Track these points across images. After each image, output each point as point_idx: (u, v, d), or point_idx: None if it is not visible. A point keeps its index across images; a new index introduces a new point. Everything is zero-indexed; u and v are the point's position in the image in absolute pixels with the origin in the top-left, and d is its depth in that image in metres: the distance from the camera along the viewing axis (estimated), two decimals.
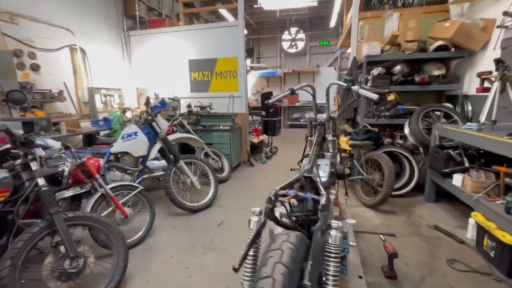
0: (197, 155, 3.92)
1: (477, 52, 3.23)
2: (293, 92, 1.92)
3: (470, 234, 2.33)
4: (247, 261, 1.09)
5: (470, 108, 3.39)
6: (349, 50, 7.58)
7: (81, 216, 1.71)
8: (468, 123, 2.63)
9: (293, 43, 10.65)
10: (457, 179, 2.52)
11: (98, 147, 3.25)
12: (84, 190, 2.06)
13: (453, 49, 3.39)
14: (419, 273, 1.93)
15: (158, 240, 2.43)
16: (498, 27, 2.81)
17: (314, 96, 1.95)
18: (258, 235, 1.04)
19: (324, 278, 0.97)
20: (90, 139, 3.86)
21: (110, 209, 2.21)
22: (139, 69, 5.37)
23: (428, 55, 3.49)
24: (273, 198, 1.08)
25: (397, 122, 3.72)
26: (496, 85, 2.40)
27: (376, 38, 3.71)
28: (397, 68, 3.67)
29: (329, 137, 1.95)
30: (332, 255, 0.98)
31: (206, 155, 4.10)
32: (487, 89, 2.89)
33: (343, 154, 3.89)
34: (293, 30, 10.51)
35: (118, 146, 2.77)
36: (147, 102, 2.85)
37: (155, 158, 3.09)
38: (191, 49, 4.94)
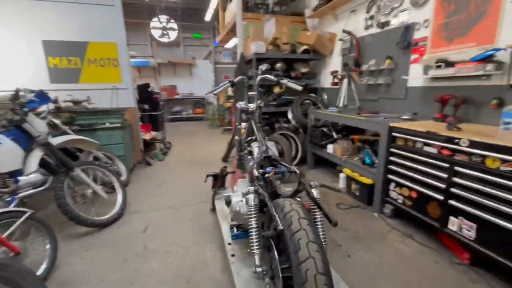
0: (83, 160, 3.19)
1: (327, 56, 4.46)
2: (233, 84, 2.03)
3: (342, 184, 3.34)
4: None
5: (326, 97, 4.65)
6: (227, 45, 8.13)
7: None
8: (331, 107, 3.67)
9: (164, 32, 10.06)
10: (330, 148, 3.50)
11: None
12: None
13: (312, 53, 4.49)
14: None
15: (71, 270, 1.93)
16: (340, 39, 4.01)
17: (247, 87, 2.14)
18: (260, 208, 1.18)
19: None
20: None
21: None
22: None
23: (298, 56, 4.44)
24: (259, 175, 1.24)
25: (281, 110, 4.53)
26: (345, 81, 3.49)
27: (260, 38, 4.30)
28: (278, 65, 4.44)
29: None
30: (317, 209, 1.28)
31: (96, 159, 3.40)
32: (337, 83, 4.10)
33: None
34: (163, 18, 9.90)
35: None
36: (16, 97, 2.06)
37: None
38: (47, 27, 3.78)
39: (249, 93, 2.17)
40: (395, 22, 3.06)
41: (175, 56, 10.24)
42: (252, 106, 2.17)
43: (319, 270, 0.85)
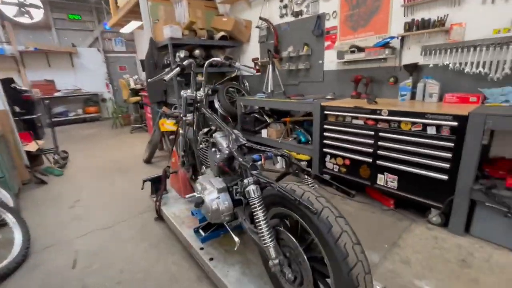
0: None
1: (245, 43, 4.50)
2: (183, 69, 1.75)
3: (280, 165, 3.54)
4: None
5: (247, 84, 4.73)
6: (124, 30, 6.97)
7: None
8: (258, 94, 3.78)
9: (23, 10, 7.63)
10: (264, 133, 3.62)
11: None
12: None
13: (230, 40, 4.43)
14: None
15: None
16: (257, 27, 4.10)
17: (194, 73, 1.90)
18: (263, 199, 1.09)
19: None
20: None
21: None
22: None
23: (216, 42, 4.28)
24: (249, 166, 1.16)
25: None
26: (270, 67, 3.64)
27: (172, 22, 3.89)
28: (197, 51, 4.16)
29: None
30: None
31: None
32: (259, 70, 4.23)
33: (171, 137, 3.92)
34: None
35: None
36: None
37: None
38: None
39: (199, 79, 1.92)
40: (307, 11, 3.37)
41: (45, 42, 7.99)
42: (200, 93, 1.95)
43: (366, 270, 0.87)
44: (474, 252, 1.80)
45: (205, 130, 1.84)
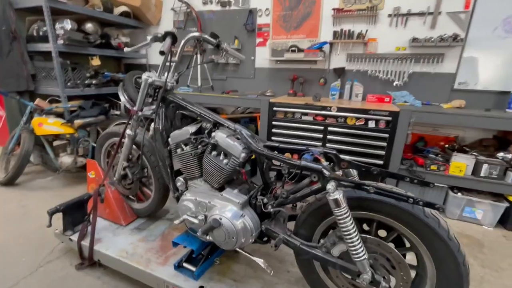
0: None
1: (153, 26, 3.75)
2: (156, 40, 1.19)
3: None
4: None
5: None
6: None
7: None
8: (182, 87, 3.28)
9: None
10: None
11: None
12: None
13: (133, 19, 3.56)
14: None
15: None
16: (172, 9, 3.50)
17: (167, 53, 1.36)
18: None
19: None
20: None
21: None
22: None
23: (117, 18, 3.32)
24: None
25: (102, 92, 3.30)
26: (198, 58, 3.23)
27: None
28: (90, 26, 3.07)
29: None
30: None
31: None
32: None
33: (56, 142, 2.74)
34: None
35: None
36: None
37: None
38: None
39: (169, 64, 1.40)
40: (236, 3, 3.21)
41: None
42: (171, 80, 1.44)
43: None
44: None
45: (193, 129, 1.37)
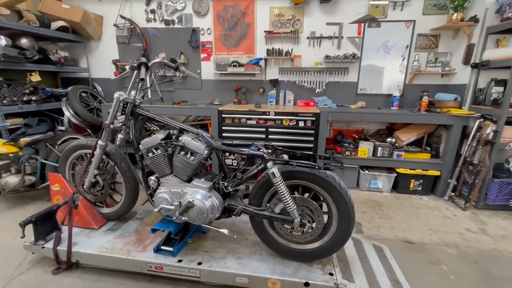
0: None
1: (94, 41, 3.77)
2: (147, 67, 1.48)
3: None
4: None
5: (100, 88, 3.98)
6: None
7: None
8: None
9: None
10: None
11: None
12: None
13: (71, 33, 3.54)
14: None
15: None
16: (114, 25, 3.61)
17: (139, 70, 1.65)
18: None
19: None
20: None
21: None
22: None
23: (54, 33, 3.27)
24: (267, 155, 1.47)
25: (42, 108, 3.23)
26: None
27: None
28: (25, 41, 2.98)
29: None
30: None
31: None
32: (119, 73, 3.78)
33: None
34: None
35: None
36: None
37: None
38: None
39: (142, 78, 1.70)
40: (180, 23, 3.54)
41: None
42: (139, 97, 1.74)
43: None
44: None
45: (162, 135, 1.68)
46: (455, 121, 2.79)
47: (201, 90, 3.78)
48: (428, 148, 3.15)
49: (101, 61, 3.84)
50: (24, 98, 2.96)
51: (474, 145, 2.75)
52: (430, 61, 3.22)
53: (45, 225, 1.80)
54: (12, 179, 2.56)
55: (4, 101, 2.80)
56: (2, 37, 2.73)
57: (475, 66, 2.96)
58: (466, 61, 3.08)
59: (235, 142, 1.69)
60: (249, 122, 3.07)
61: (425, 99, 2.98)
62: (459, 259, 1.96)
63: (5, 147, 2.54)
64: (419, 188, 3.06)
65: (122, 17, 3.53)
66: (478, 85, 2.97)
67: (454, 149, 2.87)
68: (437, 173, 2.96)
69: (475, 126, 2.74)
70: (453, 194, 2.94)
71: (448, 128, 2.91)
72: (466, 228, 2.38)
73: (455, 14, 2.89)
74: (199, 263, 1.61)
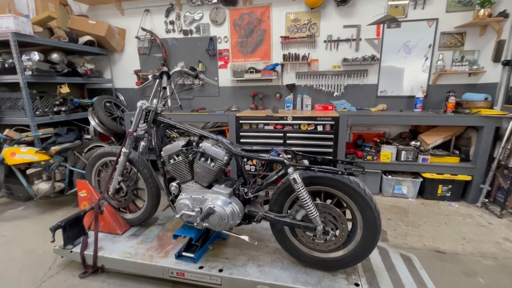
0: None
1: (117, 53, 3.95)
2: (169, 76, 1.52)
3: None
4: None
5: (122, 98, 4.15)
6: None
7: None
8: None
9: None
10: None
11: None
12: None
13: (97, 46, 3.74)
14: None
15: None
16: (136, 37, 3.78)
17: (168, 82, 1.70)
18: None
19: None
20: None
21: None
22: None
23: (81, 47, 3.47)
24: (288, 161, 1.44)
25: (70, 118, 3.40)
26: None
27: (14, 11, 2.80)
28: (55, 56, 3.19)
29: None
30: None
31: None
32: (141, 83, 3.93)
33: (30, 171, 2.78)
34: None
35: None
36: None
37: None
38: None
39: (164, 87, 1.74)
40: (198, 32, 3.64)
41: None
42: (160, 105, 1.79)
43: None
44: None
45: (183, 142, 1.71)
46: (486, 122, 2.63)
47: (218, 97, 3.83)
48: (457, 152, 2.98)
49: (124, 72, 4.01)
50: (55, 109, 3.15)
51: (509, 147, 2.57)
52: (456, 60, 3.07)
53: (73, 230, 1.87)
54: (43, 186, 2.71)
55: (37, 112, 2.98)
56: (36, 53, 2.93)
57: (506, 63, 2.78)
58: (496, 58, 2.91)
59: (254, 147, 1.68)
60: (266, 127, 3.06)
61: (452, 99, 2.83)
62: (498, 271, 1.81)
63: (37, 155, 2.69)
64: (448, 194, 2.89)
65: (143, 29, 3.69)
66: (510, 83, 2.79)
67: (486, 152, 2.69)
68: (468, 177, 2.78)
69: (510, 127, 2.56)
70: (486, 200, 2.75)
71: (479, 130, 2.74)
72: (503, 237, 2.20)
73: (482, 10, 2.75)
74: (220, 270, 1.60)
